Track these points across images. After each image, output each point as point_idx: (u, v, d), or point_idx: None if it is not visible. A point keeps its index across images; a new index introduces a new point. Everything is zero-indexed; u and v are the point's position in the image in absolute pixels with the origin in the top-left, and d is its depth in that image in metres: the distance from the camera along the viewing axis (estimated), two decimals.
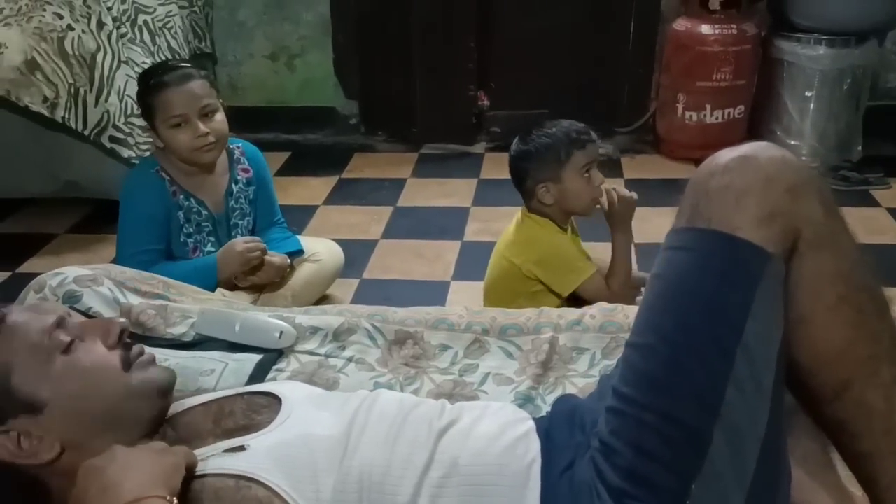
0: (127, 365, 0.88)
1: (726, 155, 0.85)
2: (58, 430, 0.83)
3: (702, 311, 0.80)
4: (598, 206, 1.83)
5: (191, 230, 1.93)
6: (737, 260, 0.80)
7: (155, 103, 1.82)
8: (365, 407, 0.92)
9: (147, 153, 2.42)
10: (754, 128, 3.04)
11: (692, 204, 0.84)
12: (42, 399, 0.82)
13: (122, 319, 0.92)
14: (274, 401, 0.93)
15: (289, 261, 2.00)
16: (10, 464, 0.81)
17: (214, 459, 0.81)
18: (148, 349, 1.12)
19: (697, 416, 0.77)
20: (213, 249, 1.96)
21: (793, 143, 2.93)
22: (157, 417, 0.90)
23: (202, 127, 1.82)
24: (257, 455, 0.81)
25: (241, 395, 0.96)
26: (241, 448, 0.82)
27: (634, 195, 1.84)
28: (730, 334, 0.78)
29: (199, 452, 0.82)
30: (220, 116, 1.88)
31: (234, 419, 0.90)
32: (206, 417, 0.92)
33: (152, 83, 1.82)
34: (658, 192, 2.85)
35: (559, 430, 0.91)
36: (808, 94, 2.88)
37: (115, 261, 1.89)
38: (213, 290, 1.80)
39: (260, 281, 1.93)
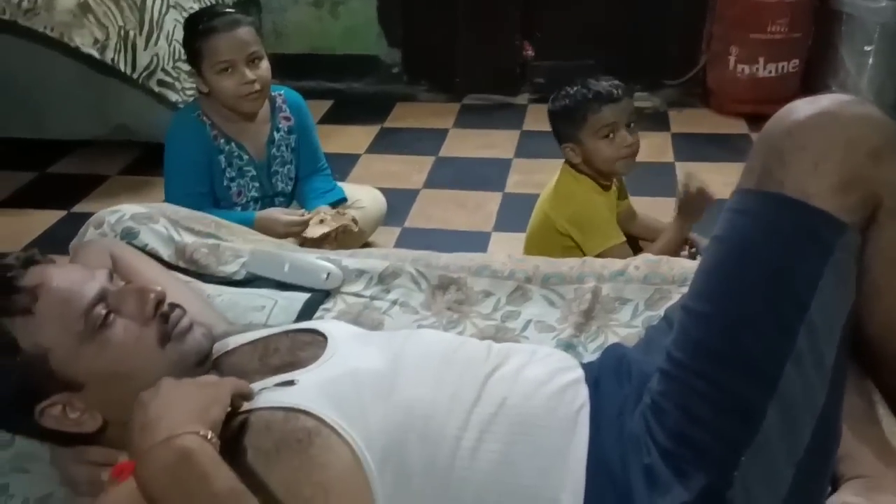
0: (164, 339, 0.87)
1: (804, 110, 0.78)
2: (98, 406, 0.85)
3: (765, 285, 0.76)
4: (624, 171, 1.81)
5: (233, 174, 1.96)
6: (808, 230, 0.76)
7: (202, 48, 1.83)
8: (410, 343, 0.94)
9: (192, 98, 2.45)
10: (808, 83, 2.95)
11: (763, 164, 0.79)
12: (80, 380, 0.84)
13: (159, 288, 0.89)
14: (318, 338, 0.95)
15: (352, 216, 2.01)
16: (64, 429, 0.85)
17: (265, 394, 0.83)
18: (202, 284, 1.17)
19: (752, 390, 0.75)
20: (256, 195, 1.99)
21: None
22: (199, 371, 0.90)
23: (249, 74, 1.83)
24: (306, 389, 0.83)
25: (286, 332, 0.99)
26: (291, 383, 0.84)
27: (714, 196, 1.75)
28: (793, 310, 0.75)
29: (253, 385, 0.84)
30: (265, 64, 1.89)
31: (279, 356, 0.93)
32: (252, 356, 0.94)
33: (201, 28, 1.83)
34: (705, 147, 2.82)
35: (607, 379, 0.91)
36: (867, 48, 2.77)
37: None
38: None
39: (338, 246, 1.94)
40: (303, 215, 1.91)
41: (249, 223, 1.87)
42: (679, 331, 0.82)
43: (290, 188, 2.10)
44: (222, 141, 1.92)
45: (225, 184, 1.95)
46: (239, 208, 1.97)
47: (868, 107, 0.79)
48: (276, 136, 2.02)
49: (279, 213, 1.92)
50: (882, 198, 0.77)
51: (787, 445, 0.75)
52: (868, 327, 0.80)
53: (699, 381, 0.77)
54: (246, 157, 1.96)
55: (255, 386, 0.85)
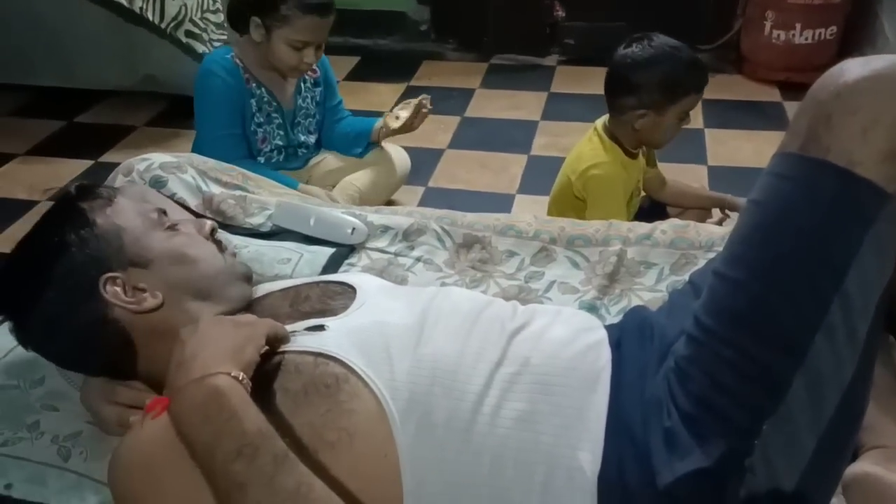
0: (221, 249, 0.97)
1: (856, 71, 0.74)
2: (160, 286, 0.90)
3: (802, 253, 0.74)
4: None
5: (261, 120, 1.97)
6: (851, 200, 0.73)
7: (290, 16, 1.82)
8: (438, 300, 0.94)
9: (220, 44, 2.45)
10: (845, 50, 2.88)
11: (809, 127, 0.75)
12: (148, 257, 0.90)
13: (212, 221, 1.00)
14: (348, 289, 0.97)
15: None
16: (111, 319, 0.88)
17: (295, 337, 0.85)
18: (229, 235, 1.19)
19: (780, 360, 0.74)
20: (280, 143, 2.01)
21: None
22: (241, 300, 0.96)
23: (313, 57, 1.88)
24: (336, 335, 0.85)
25: (317, 283, 1.02)
26: (322, 328, 0.86)
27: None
28: (829, 281, 0.72)
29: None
30: (323, 47, 1.92)
31: (309, 303, 0.95)
32: (284, 301, 0.97)
33: None
34: (736, 114, 2.77)
35: (629, 341, 0.91)
36: None
37: (196, 147, 1.94)
38: None
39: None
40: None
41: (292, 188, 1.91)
42: (709, 296, 0.81)
43: (312, 140, 2.12)
44: (254, 85, 1.93)
45: (252, 128, 1.97)
46: (262, 158, 1.99)
47: None
48: (303, 86, 2.03)
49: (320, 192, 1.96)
50: None
51: (810, 417, 0.74)
52: None
53: (727, 348, 0.76)
54: (275, 103, 1.98)
55: (287, 329, 0.87)
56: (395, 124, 2.06)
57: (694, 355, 0.79)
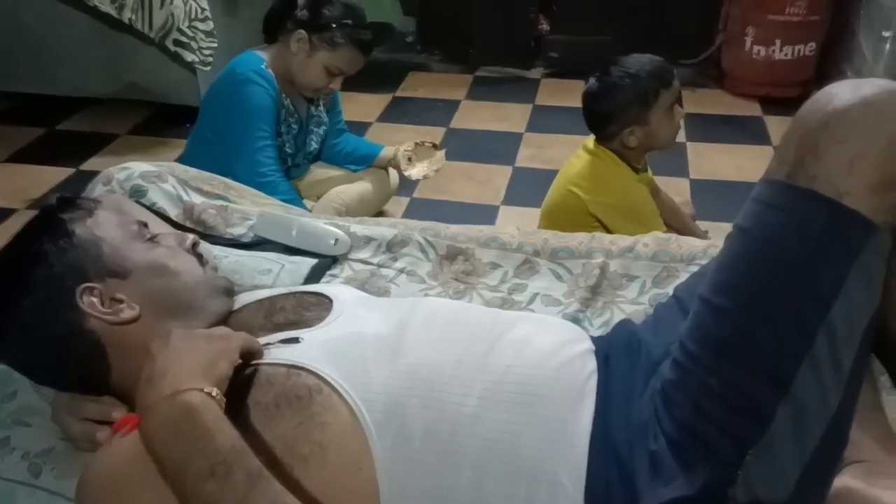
0: (202, 263, 0.97)
1: (844, 97, 0.72)
2: (139, 298, 0.89)
3: (787, 285, 0.73)
4: None
5: (282, 130, 1.97)
6: (837, 231, 0.72)
7: (340, 45, 1.85)
8: (416, 309, 0.93)
9: (209, 58, 2.44)
10: (824, 67, 2.92)
11: (797, 156, 0.74)
12: (127, 268, 0.90)
13: (194, 234, 0.99)
14: (324, 300, 0.96)
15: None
16: (86, 330, 0.86)
17: (269, 350, 0.84)
18: (209, 245, 1.18)
19: (764, 390, 0.73)
20: (289, 151, 2.02)
21: None
22: (221, 314, 0.94)
23: (336, 85, 1.92)
24: (310, 347, 0.84)
25: (293, 293, 1.00)
26: (296, 340, 0.85)
27: None
28: (814, 312, 0.72)
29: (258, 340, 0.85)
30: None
31: (284, 314, 0.94)
32: (259, 313, 0.96)
33: (351, 31, 1.85)
34: (718, 128, 2.80)
35: (618, 356, 0.90)
36: (885, 33, 2.73)
37: (236, 155, 1.87)
38: None
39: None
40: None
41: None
42: (694, 321, 0.80)
43: (317, 150, 2.14)
44: (283, 96, 1.93)
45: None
46: None
47: None
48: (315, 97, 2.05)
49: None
50: None
51: (794, 447, 0.73)
52: (893, 330, 0.78)
53: (711, 376, 0.75)
54: (295, 115, 1.98)
55: (260, 342, 0.85)
56: (411, 172, 2.12)
57: (679, 381, 0.79)
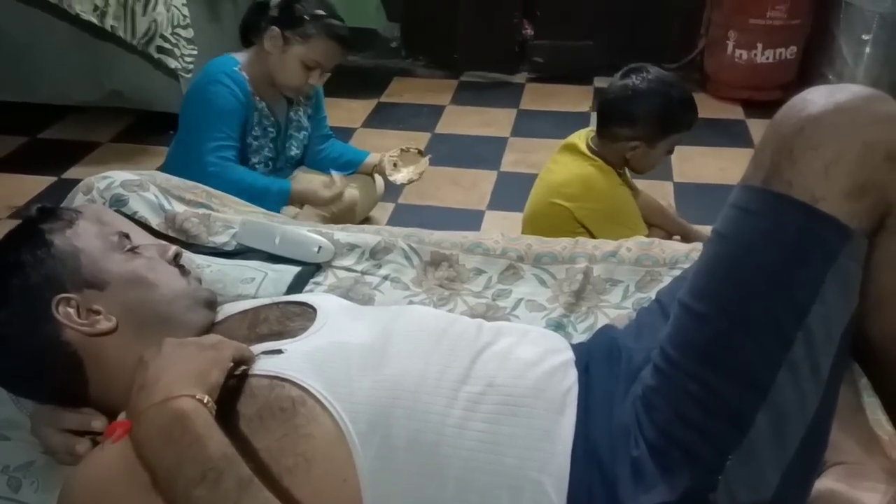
0: (183, 274, 0.95)
1: (819, 103, 0.73)
2: (116, 309, 0.88)
3: (764, 289, 0.74)
4: None
5: (258, 133, 1.96)
6: (813, 236, 0.72)
7: (313, 36, 1.84)
8: (400, 318, 0.93)
9: (191, 65, 2.43)
10: (805, 70, 2.95)
11: (773, 161, 0.74)
12: (105, 279, 0.89)
13: (176, 246, 0.98)
14: (308, 310, 0.96)
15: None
16: (62, 342, 0.86)
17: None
18: (191, 254, 1.17)
19: (743, 395, 0.73)
20: (269, 155, 2.01)
21: None
22: (202, 327, 0.94)
23: (318, 80, 1.90)
24: (293, 358, 0.83)
25: (276, 304, 1.00)
26: (279, 351, 0.85)
27: None
28: (792, 317, 0.72)
29: None
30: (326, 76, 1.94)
31: (268, 325, 0.94)
32: (242, 324, 0.95)
33: (326, 22, 1.84)
34: (701, 132, 2.78)
35: (598, 365, 0.90)
36: (864, 37, 2.77)
37: (185, 157, 1.88)
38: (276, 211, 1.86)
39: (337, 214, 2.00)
40: (333, 181, 1.96)
41: (285, 194, 1.91)
42: (674, 327, 0.81)
43: (300, 155, 2.12)
44: (257, 99, 1.92)
45: (248, 140, 1.95)
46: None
47: (890, 104, 0.73)
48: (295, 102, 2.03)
49: (319, 186, 1.94)
50: (894, 204, 0.73)
51: (774, 451, 0.74)
52: (871, 335, 0.78)
53: (691, 381, 0.75)
54: (272, 118, 1.96)
55: None
56: (396, 177, 2.10)
57: (659, 386, 0.79)
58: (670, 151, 1.78)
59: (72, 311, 0.86)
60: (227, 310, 1.00)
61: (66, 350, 0.86)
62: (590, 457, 0.79)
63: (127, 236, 0.95)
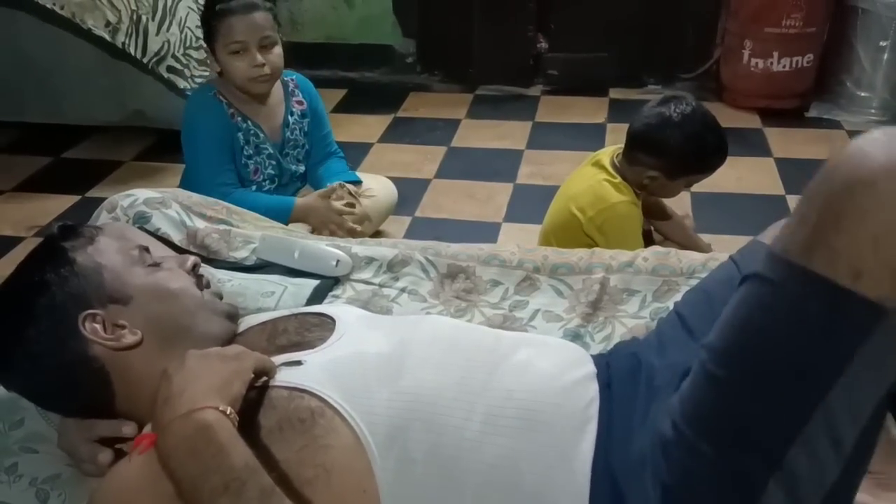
0: (201, 288, 0.97)
1: (877, 160, 0.64)
2: (141, 322, 0.90)
3: (786, 363, 0.71)
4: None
5: (250, 152, 1.98)
6: (845, 317, 0.67)
7: (218, 27, 1.86)
8: (419, 329, 0.94)
9: (206, 81, 2.47)
10: (822, 78, 2.94)
11: (816, 224, 0.67)
12: (129, 293, 0.91)
13: (195, 256, 1.00)
14: (326, 320, 0.97)
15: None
16: (90, 357, 0.87)
17: None
18: (213, 269, 1.19)
19: (754, 463, 0.72)
20: (273, 172, 2.02)
21: (863, 95, 2.83)
22: (223, 338, 0.95)
23: (259, 58, 1.87)
24: (313, 370, 0.84)
25: (295, 315, 1.01)
26: (298, 363, 0.86)
27: None
28: (811, 393, 0.69)
29: None
30: (278, 50, 1.91)
31: (287, 336, 0.95)
32: (262, 336, 0.97)
33: (218, 8, 1.86)
34: None
35: (620, 383, 0.89)
36: (882, 43, 2.76)
37: (192, 186, 1.93)
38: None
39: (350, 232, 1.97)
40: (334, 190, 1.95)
41: (288, 208, 1.91)
42: (692, 383, 0.79)
43: (302, 170, 2.12)
44: (239, 119, 1.95)
45: (243, 161, 1.98)
46: (255, 186, 2.00)
47: None
48: (291, 119, 2.05)
49: (325, 199, 1.94)
50: None
51: None
52: None
53: (703, 442, 0.74)
54: (262, 135, 1.99)
55: None
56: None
57: (675, 440, 0.77)
58: (689, 186, 1.77)
59: (98, 326, 0.88)
60: (247, 321, 1.02)
61: (93, 366, 0.88)
62: (607, 481, 0.79)
63: (147, 250, 0.97)
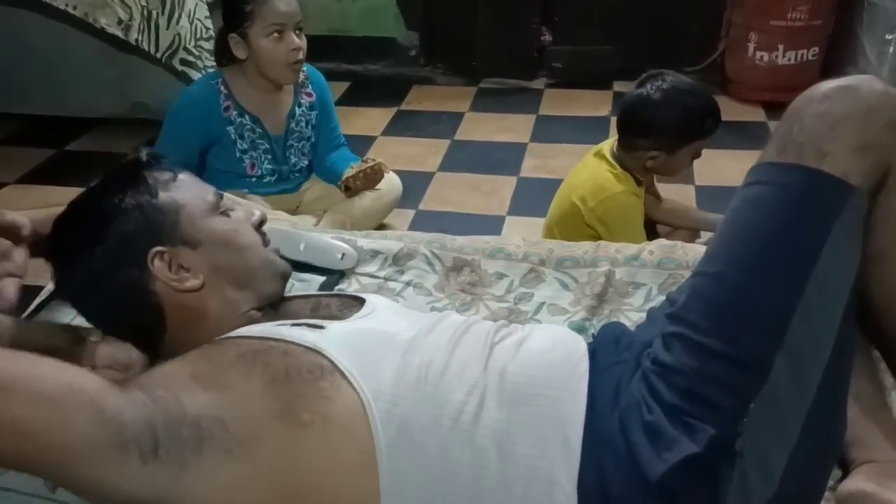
0: (265, 245, 0.99)
1: (828, 84, 0.85)
2: (205, 268, 0.91)
3: (776, 241, 0.81)
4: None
5: (245, 147, 1.98)
6: (817, 192, 0.81)
7: (255, 10, 1.84)
8: (437, 321, 0.96)
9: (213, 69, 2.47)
10: (828, 71, 2.92)
11: (786, 131, 0.84)
12: (199, 239, 0.92)
13: (262, 211, 1.01)
14: (362, 303, 1.00)
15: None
16: (151, 291, 0.89)
17: (296, 329, 0.86)
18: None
19: (761, 342, 0.79)
20: (270, 167, 2.02)
21: None
22: (274, 297, 0.98)
23: (296, 40, 1.86)
24: (332, 335, 0.86)
25: (336, 295, 1.06)
26: (321, 327, 0.87)
27: None
28: (802, 265, 0.79)
29: (289, 322, 0.88)
30: (304, 37, 1.91)
31: (328, 310, 0.99)
32: (305, 306, 1.01)
33: None
34: (722, 135, 2.74)
35: (605, 350, 0.93)
36: (888, 36, 2.74)
37: None
38: None
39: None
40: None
41: None
42: (690, 294, 0.85)
43: (305, 164, 2.12)
44: (235, 113, 1.94)
45: (237, 156, 1.97)
46: (254, 180, 2.00)
47: (888, 85, 0.84)
48: (298, 110, 2.04)
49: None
50: (893, 165, 0.82)
51: (793, 396, 0.78)
52: (872, 293, 0.84)
53: (711, 338, 0.80)
54: (259, 130, 1.98)
55: (289, 323, 0.88)
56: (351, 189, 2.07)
57: (678, 350, 0.82)
58: (697, 155, 1.76)
59: (164, 265, 0.89)
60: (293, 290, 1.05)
61: (152, 300, 0.89)
62: (598, 441, 0.81)
63: (221, 197, 0.97)
